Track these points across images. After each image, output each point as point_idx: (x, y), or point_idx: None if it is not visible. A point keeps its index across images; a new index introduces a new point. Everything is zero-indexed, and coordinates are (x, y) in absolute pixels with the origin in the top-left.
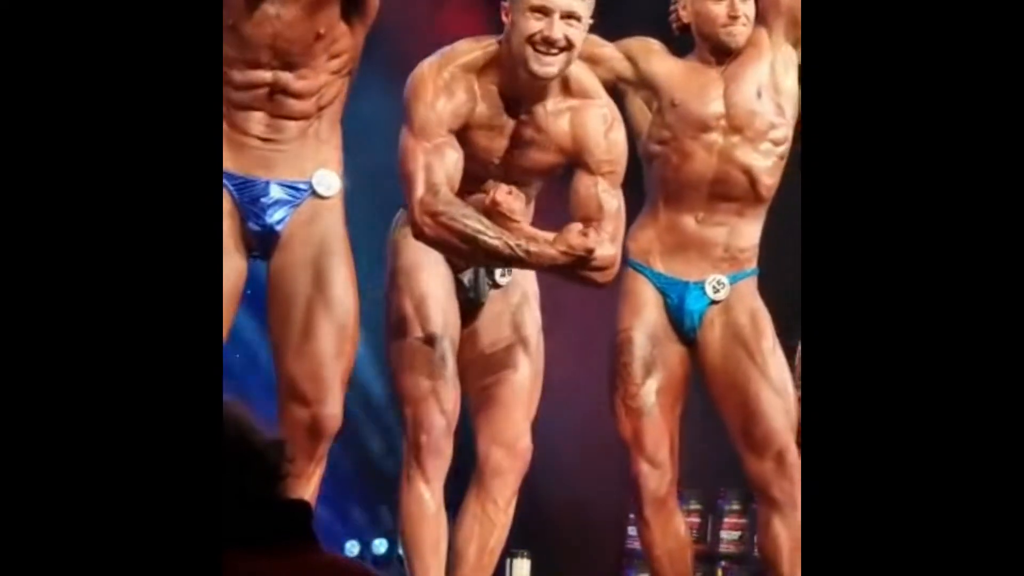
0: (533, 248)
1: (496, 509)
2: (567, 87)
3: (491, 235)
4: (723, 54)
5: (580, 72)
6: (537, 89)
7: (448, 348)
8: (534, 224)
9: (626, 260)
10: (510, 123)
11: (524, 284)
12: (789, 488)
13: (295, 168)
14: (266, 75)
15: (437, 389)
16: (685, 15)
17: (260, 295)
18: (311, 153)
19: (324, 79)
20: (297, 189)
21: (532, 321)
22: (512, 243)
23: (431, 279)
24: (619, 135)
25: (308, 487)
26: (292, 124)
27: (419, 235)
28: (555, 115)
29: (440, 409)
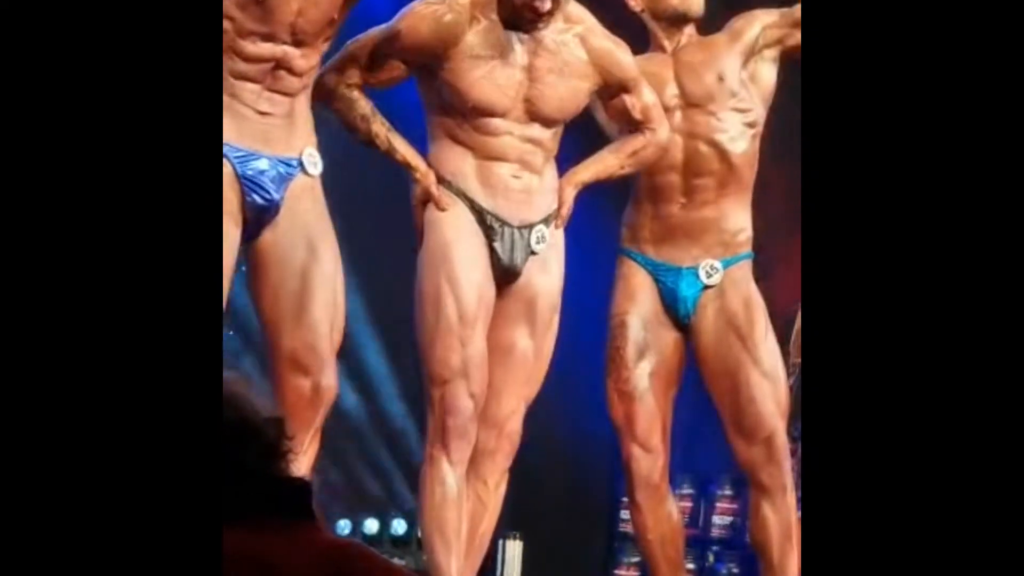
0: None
1: (486, 490)
2: (566, 16)
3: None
4: (676, 32)
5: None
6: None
7: (480, 328)
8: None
9: (620, 248)
10: (521, 56)
11: (552, 263)
12: (778, 473)
13: (287, 144)
14: (277, 50)
15: (467, 370)
16: (635, 3)
17: None
18: (298, 131)
19: (316, 59)
20: (290, 166)
21: (546, 302)
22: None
23: (466, 256)
24: (629, 52)
25: (306, 459)
26: (285, 100)
27: (314, 88)
28: (563, 43)
29: (468, 391)
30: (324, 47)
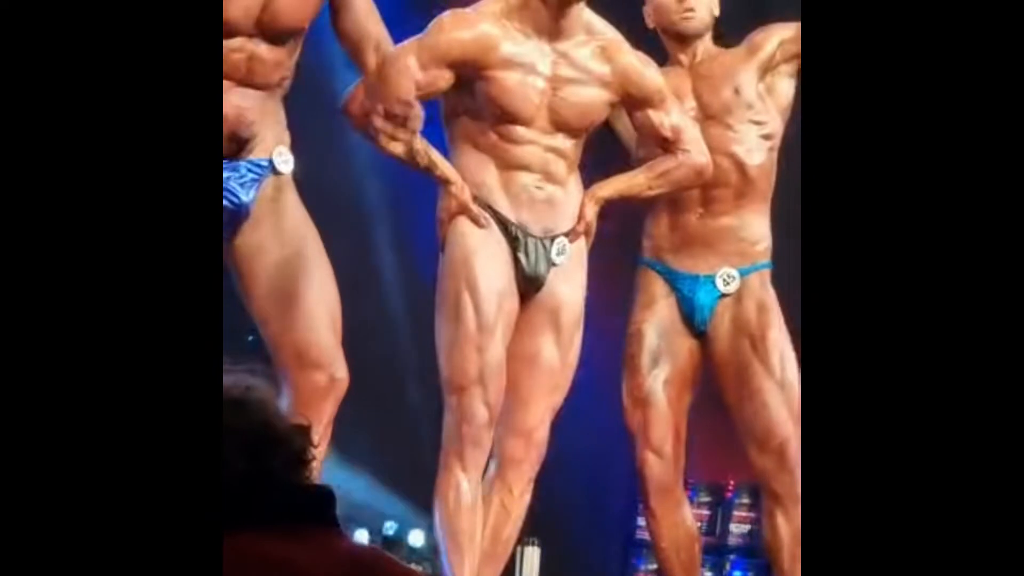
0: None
1: (511, 498)
2: (588, 28)
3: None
4: (689, 47)
5: (592, 14)
6: (561, 24)
7: (499, 337)
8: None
9: (640, 258)
10: (545, 65)
11: (575, 272)
12: (790, 481)
13: (260, 145)
14: (247, 44)
15: (483, 379)
16: (649, 20)
17: None
18: (271, 128)
19: (288, 52)
20: (261, 167)
21: (570, 311)
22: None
23: (488, 265)
24: (654, 67)
25: (319, 452)
26: (257, 94)
27: (345, 109)
28: (585, 55)
29: (484, 400)
30: (299, 39)
